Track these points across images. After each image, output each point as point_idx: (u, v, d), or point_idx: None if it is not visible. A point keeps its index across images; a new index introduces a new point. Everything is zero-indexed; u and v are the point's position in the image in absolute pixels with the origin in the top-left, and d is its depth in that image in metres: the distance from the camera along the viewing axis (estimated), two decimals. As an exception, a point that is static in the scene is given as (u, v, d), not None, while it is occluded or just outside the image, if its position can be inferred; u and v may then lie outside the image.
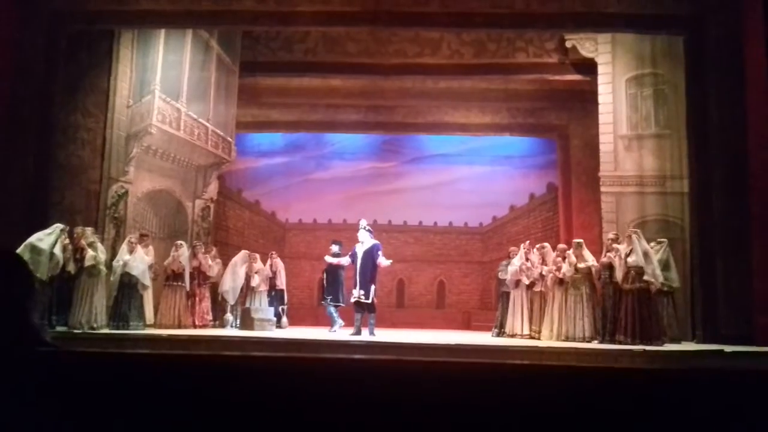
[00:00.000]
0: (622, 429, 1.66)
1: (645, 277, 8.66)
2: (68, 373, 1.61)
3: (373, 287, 9.80)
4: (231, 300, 11.30)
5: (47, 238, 8.79)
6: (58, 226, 9.05)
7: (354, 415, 1.59)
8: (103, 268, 9.36)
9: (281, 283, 11.92)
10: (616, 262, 8.91)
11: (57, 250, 8.88)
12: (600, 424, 1.66)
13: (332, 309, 10.82)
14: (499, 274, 10.77)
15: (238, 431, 1.56)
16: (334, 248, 11.11)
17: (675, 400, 1.71)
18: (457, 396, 1.63)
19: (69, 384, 1.58)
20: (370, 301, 9.73)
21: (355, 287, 9.91)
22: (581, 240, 9.98)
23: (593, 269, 9.39)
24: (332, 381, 1.64)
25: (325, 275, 11.18)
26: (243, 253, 11.81)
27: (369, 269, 9.89)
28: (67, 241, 9.25)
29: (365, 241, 10.09)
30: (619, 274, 8.87)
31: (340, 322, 10.70)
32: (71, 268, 9.23)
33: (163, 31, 11.83)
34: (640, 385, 1.74)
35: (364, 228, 10.22)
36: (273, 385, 1.65)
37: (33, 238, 8.68)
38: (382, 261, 9.91)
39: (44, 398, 1.55)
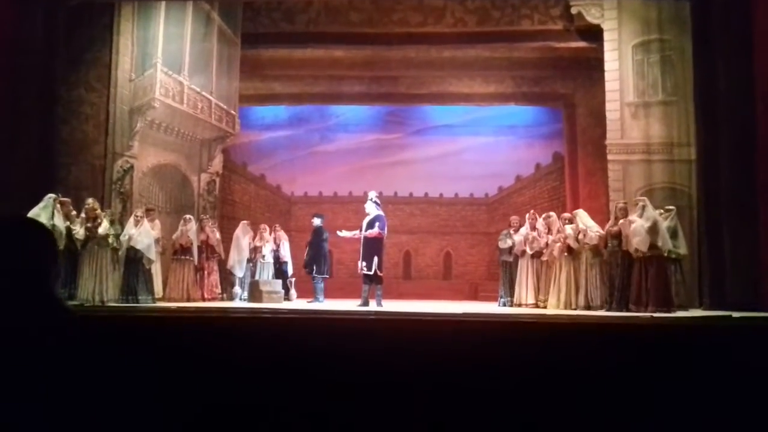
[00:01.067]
0: (631, 386, 1.67)
1: (654, 245, 8.66)
2: (98, 336, 1.64)
3: (376, 259, 9.82)
4: (238, 273, 11.38)
5: (43, 213, 8.70)
6: (50, 197, 8.90)
7: (363, 375, 1.60)
8: (112, 240, 9.36)
9: (286, 255, 11.97)
10: (630, 230, 8.88)
11: (57, 221, 8.81)
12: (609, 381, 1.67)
13: (316, 281, 11.03)
14: (500, 243, 10.76)
15: (257, 390, 1.58)
16: (317, 221, 11.27)
17: (685, 355, 1.71)
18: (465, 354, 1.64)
19: (100, 347, 1.61)
20: (371, 272, 9.79)
21: (360, 259, 9.97)
22: (576, 211, 9.97)
23: (598, 236, 9.36)
24: (343, 339, 1.65)
25: (307, 246, 11.30)
26: (242, 224, 11.88)
27: (374, 241, 9.92)
28: (71, 210, 9.19)
29: (371, 212, 10.10)
30: (629, 243, 8.86)
31: (320, 299, 10.91)
32: (80, 235, 9.16)
33: (163, 3, 11.74)
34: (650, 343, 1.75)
35: (371, 199, 10.23)
36: (283, 344, 1.66)
37: (30, 215, 8.63)
38: (345, 233, 10.21)
39: (65, 366, 1.57)
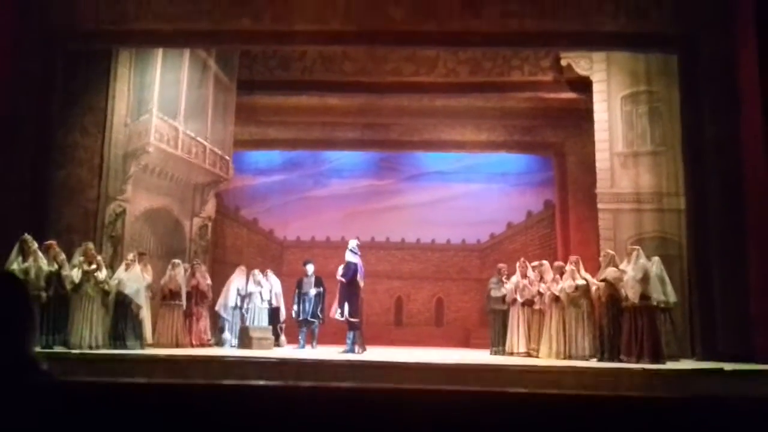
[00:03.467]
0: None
1: (646, 295, 8.66)
2: (65, 403, 1.59)
3: (346, 305, 9.96)
4: (222, 313, 11.36)
5: (15, 258, 8.60)
6: (21, 239, 8.67)
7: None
8: (107, 287, 9.29)
9: (278, 301, 11.89)
10: (623, 279, 8.87)
11: (43, 264, 8.59)
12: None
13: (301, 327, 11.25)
14: (492, 292, 10.73)
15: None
16: (310, 268, 11.40)
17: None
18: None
19: (66, 415, 1.56)
20: (343, 319, 10.01)
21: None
22: (578, 257, 9.98)
23: (593, 287, 9.36)
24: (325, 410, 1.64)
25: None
26: (237, 269, 11.92)
27: (342, 287, 10.15)
28: (60, 253, 9.07)
29: (347, 260, 10.27)
30: (621, 292, 8.86)
31: (301, 342, 11.12)
32: (76, 278, 9.01)
33: (160, 50, 11.89)
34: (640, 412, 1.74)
35: (350, 248, 10.42)
36: (266, 411, 1.64)
37: (7, 264, 8.51)
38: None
39: (41, 429, 1.54)
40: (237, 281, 11.73)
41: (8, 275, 1.93)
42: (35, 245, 8.79)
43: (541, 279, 10.10)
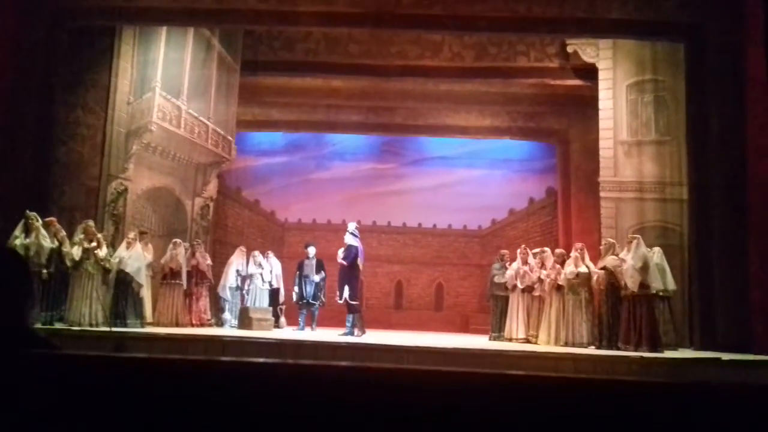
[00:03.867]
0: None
1: (645, 284, 8.67)
2: (64, 374, 1.59)
3: (346, 288, 9.99)
4: (222, 294, 11.41)
5: (18, 233, 8.64)
6: (27, 215, 8.70)
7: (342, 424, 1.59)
8: (107, 264, 9.31)
9: (278, 282, 11.92)
10: (622, 268, 8.89)
11: (45, 241, 8.62)
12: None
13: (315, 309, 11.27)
14: (495, 278, 10.73)
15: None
16: (312, 250, 11.37)
17: (672, 413, 1.71)
18: (451, 407, 1.63)
19: (65, 387, 1.57)
20: (342, 301, 10.07)
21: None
22: (582, 244, 9.98)
23: (594, 275, 9.37)
24: (324, 387, 1.64)
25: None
26: (237, 250, 11.99)
27: (342, 270, 10.18)
28: (60, 230, 9.08)
29: (346, 242, 10.33)
30: (621, 280, 8.88)
31: (300, 324, 11.15)
32: (76, 255, 9.02)
33: (164, 28, 11.83)
34: (635, 396, 1.75)
35: (349, 231, 10.42)
36: (265, 389, 1.65)
37: (10, 240, 8.53)
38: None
39: (39, 401, 1.54)
40: (237, 262, 11.78)
41: (8, 250, 1.94)
42: (39, 222, 8.81)
43: (542, 266, 10.11)
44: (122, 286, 9.44)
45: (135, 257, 9.56)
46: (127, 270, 9.43)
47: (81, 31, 10.94)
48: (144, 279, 9.71)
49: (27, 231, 8.73)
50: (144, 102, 11.63)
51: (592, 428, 1.56)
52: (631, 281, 8.69)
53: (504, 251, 11.04)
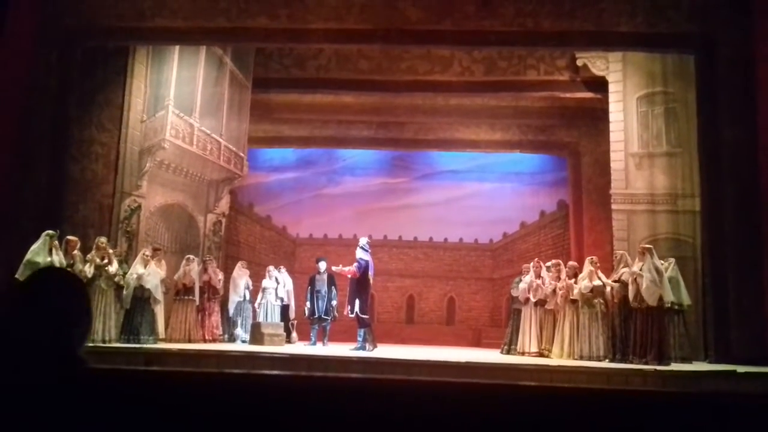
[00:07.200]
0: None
1: (660, 297, 8.60)
2: (101, 392, 1.59)
3: (357, 302, 10.00)
4: (230, 311, 11.39)
5: (41, 251, 8.70)
6: (46, 234, 8.75)
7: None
8: (119, 279, 9.38)
9: (289, 298, 11.93)
10: (637, 281, 8.81)
11: (55, 258, 8.78)
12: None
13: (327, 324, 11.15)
14: (512, 290, 10.72)
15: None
16: (323, 265, 11.23)
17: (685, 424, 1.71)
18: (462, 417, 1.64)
19: (104, 403, 1.57)
20: (353, 315, 10.08)
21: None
22: (596, 258, 9.93)
23: (608, 288, 9.30)
24: (335, 400, 1.66)
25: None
26: (238, 265, 11.94)
27: (352, 284, 10.20)
28: (79, 250, 9.17)
29: (358, 257, 10.35)
30: (631, 293, 8.81)
31: (312, 339, 10.97)
32: (88, 273, 9.03)
33: (177, 47, 11.98)
34: (651, 408, 1.75)
35: (360, 246, 10.46)
36: (276, 403, 1.67)
37: (29, 254, 8.58)
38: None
39: (84, 419, 1.54)
40: (243, 278, 11.70)
41: (69, 274, 1.93)
42: (56, 241, 8.89)
43: (558, 278, 10.04)
44: (139, 303, 9.52)
45: (153, 274, 9.67)
46: (147, 286, 9.55)
47: (95, 50, 11.10)
48: (161, 295, 9.81)
49: (49, 250, 8.79)
50: (157, 120, 11.77)
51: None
52: (647, 294, 8.59)
53: (526, 265, 10.91)
